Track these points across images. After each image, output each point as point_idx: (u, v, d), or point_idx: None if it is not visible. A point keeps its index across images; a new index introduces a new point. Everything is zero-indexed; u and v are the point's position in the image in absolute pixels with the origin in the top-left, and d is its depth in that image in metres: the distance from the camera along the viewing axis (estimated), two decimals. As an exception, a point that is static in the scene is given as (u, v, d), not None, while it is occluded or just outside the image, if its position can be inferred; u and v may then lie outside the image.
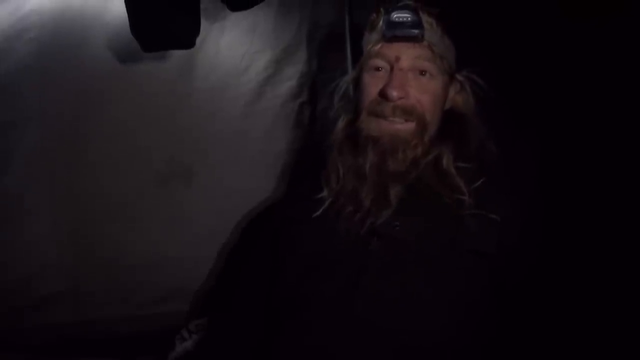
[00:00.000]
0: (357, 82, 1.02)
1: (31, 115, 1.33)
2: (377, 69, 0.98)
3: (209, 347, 1.08)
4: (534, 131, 1.19)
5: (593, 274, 0.95)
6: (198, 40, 1.29)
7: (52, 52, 1.33)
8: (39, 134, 1.33)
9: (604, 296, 0.94)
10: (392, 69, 0.96)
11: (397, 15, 0.96)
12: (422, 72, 0.97)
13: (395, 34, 0.95)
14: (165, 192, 1.35)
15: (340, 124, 1.04)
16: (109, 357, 1.28)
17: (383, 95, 0.95)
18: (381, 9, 0.99)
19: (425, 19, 0.96)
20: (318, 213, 0.96)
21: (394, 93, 0.94)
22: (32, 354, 1.27)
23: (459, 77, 1.04)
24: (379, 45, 0.98)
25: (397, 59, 0.96)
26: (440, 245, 0.89)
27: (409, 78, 0.96)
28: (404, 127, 0.95)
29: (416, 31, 0.95)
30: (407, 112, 0.95)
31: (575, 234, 0.97)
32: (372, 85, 0.98)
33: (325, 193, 0.98)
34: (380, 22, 0.98)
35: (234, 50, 1.39)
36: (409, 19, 0.95)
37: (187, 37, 1.26)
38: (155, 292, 1.35)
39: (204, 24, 1.28)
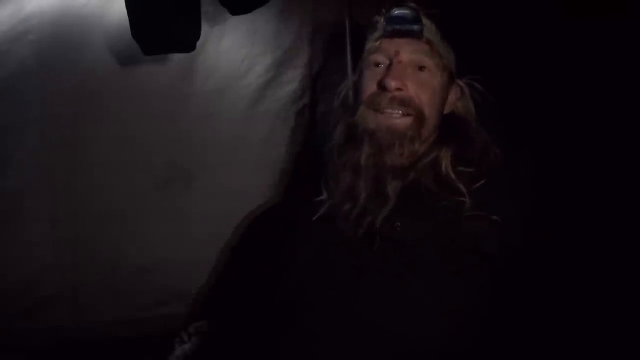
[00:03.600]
0: (358, 83, 1.03)
1: (31, 117, 1.32)
2: (377, 64, 0.99)
3: (208, 350, 1.08)
4: (535, 134, 1.19)
5: (594, 276, 0.95)
6: (198, 43, 1.28)
7: (52, 54, 1.32)
8: (38, 136, 1.32)
9: (605, 298, 0.94)
10: (390, 63, 0.97)
11: (397, 12, 0.98)
12: (421, 68, 0.98)
13: (395, 28, 0.97)
14: (165, 195, 1.35)
15: (340, 128, 1.04)
16: (108, 360, 1.28)
17: (381, 86, 0.96)
18: (382, 10, 1.01)
19: (425, 20, 0.98)
20: (318, 216, 0.96)
21: (391, 83, 0.95)
22: (30, 356, 1.27)
23: (460, 83, 1.04)
24: (378, 42, 1.00)
25: (397, 53, 0.97)
26: (441, 248, 0.88)
27: (408, 72, 0.97)
28: (401, 121, 0.96)
29: (416, 26, 0.97)
30: (405, 104, 0.95)
31: (576, 236, 0.97)
32: (371, 79, 0.99)
33: (325, 196, 0.98)
34: (381, 20, 1.00)
35: (235, 53, 1.39)
36: (409, 15, 0.97)
37: (187, 40, 1.26)
38: (155, 294, 1.35)
39: (204, 27, 1.28)
